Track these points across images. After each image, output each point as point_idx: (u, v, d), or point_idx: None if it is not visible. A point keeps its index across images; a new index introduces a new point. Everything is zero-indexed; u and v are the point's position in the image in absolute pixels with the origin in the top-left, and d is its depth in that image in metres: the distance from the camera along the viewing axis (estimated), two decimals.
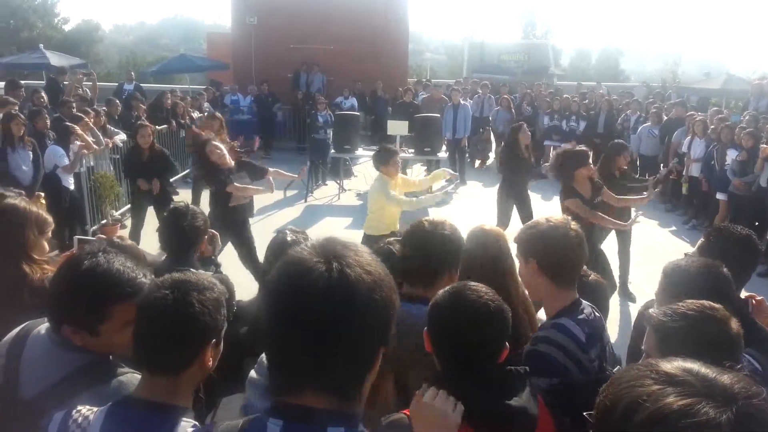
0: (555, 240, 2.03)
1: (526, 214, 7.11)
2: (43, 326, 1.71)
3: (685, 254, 2.62)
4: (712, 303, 1.66)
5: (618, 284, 6.28)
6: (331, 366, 1.00)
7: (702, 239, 2.62)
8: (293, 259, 1.05)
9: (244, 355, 2.11)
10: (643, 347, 1.68)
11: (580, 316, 2.03)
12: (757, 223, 7.74)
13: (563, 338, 1.95)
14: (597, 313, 2.13)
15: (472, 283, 1.73)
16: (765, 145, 7.75)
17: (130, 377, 1.58)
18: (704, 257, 2.29)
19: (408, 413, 1.54)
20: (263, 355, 1.60)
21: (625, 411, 0.89)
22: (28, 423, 1.52)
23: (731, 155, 8.24)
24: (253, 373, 1.74)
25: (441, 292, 1.73)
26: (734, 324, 1.62)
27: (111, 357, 1.66)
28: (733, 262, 2.30)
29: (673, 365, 0.93)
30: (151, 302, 1.40)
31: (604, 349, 2.11)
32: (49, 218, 2.43)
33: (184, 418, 1.37)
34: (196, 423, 1.40)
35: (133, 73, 15.51)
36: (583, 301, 2.12)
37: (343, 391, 1.04)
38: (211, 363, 1.47)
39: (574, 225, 2.10)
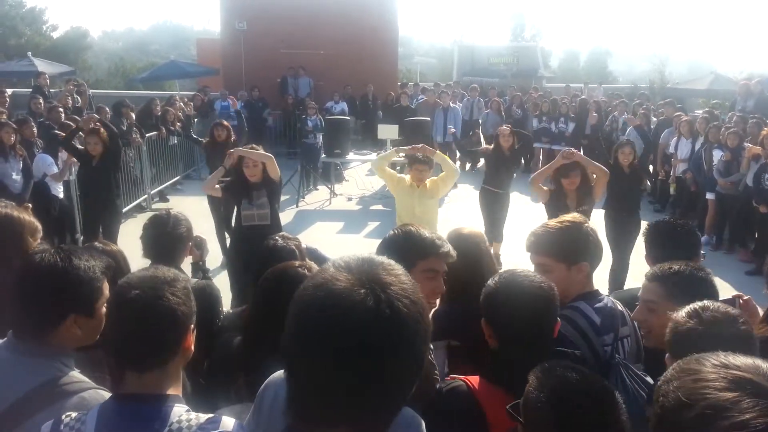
0: (593, 239, 2.21)
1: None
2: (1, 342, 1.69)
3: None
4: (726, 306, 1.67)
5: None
6: (377, 402, 0.94)
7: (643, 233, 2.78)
8: (332, 289, 0.92)
9: (237, 368, 2.09)
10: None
11: (597, 304, 2.14)
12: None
13: (579, 317, 2.08)
14: (619, 307, 2.21)
15: (520, 270, 1.86)
16: (749, 145, 7.84)
17: (93, 393, 1.59)
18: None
19: (465, 379, 1.67)
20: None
21: (703, 414, 0.92)
22: None
23: (717, 155, 8.32)
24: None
25: (492, 280, 1.83)
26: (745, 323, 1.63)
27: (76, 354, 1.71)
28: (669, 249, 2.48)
29: (745, 363, 0.96)
30: (126, 303, 1.41)
31: (620, 340, 2.14)
32: (39, 225, 2.45)
33: (177, 404, 1.40)
34: (188, 408, 1.42)
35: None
36: (603, 294, 2.24)
37: (381, 425, 0.99)
38: (192, 347, 1.52)
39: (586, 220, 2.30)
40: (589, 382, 1.37)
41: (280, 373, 1.43)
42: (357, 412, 0.93)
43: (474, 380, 1.72)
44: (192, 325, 1.50)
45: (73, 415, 1.40)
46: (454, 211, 9.44)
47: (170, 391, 1.44)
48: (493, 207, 7.24)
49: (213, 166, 7.21)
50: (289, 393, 0.98)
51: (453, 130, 10.82)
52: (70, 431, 1.36)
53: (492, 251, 7.10)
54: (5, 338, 1.68)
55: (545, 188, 5.31)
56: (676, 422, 0.97)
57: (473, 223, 8.11)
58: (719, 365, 0.98)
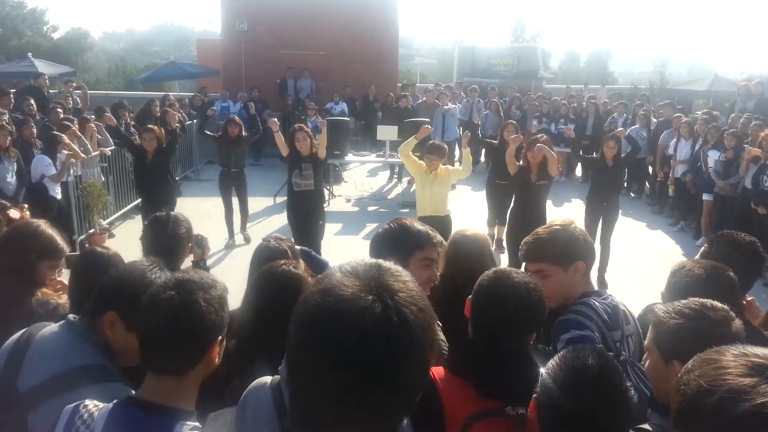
0: (583, 237, 2.22)
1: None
2: (54, 324, 1.74)
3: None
4: (713, 302, 1.64)
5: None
6: (382, 407, 0.93)
7: (705, 245, 2.64)
8: (339, 295, 0.91)
9: (233, 369, 2.08)
10: (645, 343, 1.72)
11: (604, 301, 2.16)
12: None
13: (591, 311, 2.08)
14: (621, 306, 2.23)
15: (516, 270, 1.88)
16: (749, 146, 7.81)
17: (123, 387, 1.60)
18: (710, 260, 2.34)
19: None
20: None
21: (723, 398, 0.96)
22: (17, 416, 1.54)
23: (713, 156, 8.30)
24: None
25: (486, 272, 1.88)
26: (736, 325, 1.59)
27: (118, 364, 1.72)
28: (737, 267, 2.32)
29: (764, 352, 1.02)
30: (158, 303, 1.39)
31: (626, 338, 2.15)
32: (58, 250, 2.41)
33: (183, 421, 1.37)
34: (197, 424, 1.40)
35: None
36: (605, 292, 2.27)
37: (387, 428, 0.98)
38: (217, 359, 1.49)
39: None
40: (604, 371, 1.41)
41: (262, 379, 1.42)
42: (362, 417, 0.92)
43: (437, 371, 1.76)
44: (221, 336, 1.46)
45: (90, 406, 1.40)
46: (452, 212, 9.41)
47: (183, 404, 1.41)
48: (501, 197, 7.78)
49: (225, 159, 8.23)
50: (291, 398, 0.96)
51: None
52: (82, 425, 1.37)
53: (495, 234, 7.70)
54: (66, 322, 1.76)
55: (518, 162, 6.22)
56: (697, 408, 1.01)
57: (473, 216, 8.12)
58: (739, 354, 1.03)
